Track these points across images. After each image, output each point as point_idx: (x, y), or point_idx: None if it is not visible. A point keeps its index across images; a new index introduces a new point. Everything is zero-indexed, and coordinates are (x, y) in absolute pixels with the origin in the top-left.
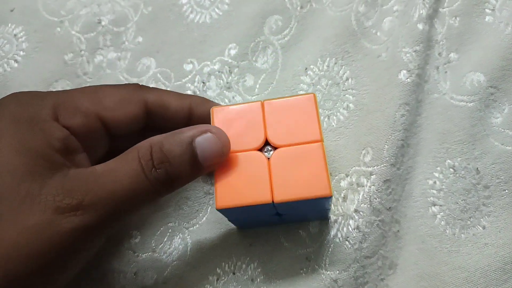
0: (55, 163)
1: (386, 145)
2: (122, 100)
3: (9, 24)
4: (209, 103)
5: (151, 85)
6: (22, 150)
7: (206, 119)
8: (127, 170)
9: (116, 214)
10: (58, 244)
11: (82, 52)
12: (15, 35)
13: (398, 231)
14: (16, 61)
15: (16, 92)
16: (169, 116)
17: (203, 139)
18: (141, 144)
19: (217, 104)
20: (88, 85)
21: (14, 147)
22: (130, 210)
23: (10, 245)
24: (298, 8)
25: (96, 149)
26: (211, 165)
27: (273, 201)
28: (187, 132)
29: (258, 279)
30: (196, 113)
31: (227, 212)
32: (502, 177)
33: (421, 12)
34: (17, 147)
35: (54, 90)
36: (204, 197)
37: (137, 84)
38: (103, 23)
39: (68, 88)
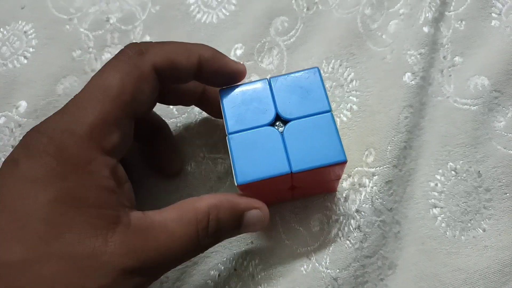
0: (113, 214)
1: (389, 147)
2: (135, 81)
3: (20, 21)
4: (217, 57)
5: None
6: (75, 203)
7: (216, 76)
8: (184, 232)
9: (166, 270)
10: None
11: (90, 49)
12: (25, 32)
13: (398, 232)
14: (25, 57)
15: (38, 127)
16: (178, 76)
17: (252, 215)
18: (199, 206)
19: (224, 56)
20: None
21: (66, 200)
22: (176, 265)
23: None
24: (305, 9)
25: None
26: (250, 231)
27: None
28: (241, 205)
29: (259, 276)
30: (205, 70)
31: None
32: (503, 180)
33: (427, 15)
34: (68, 200)
35: (61, 86)
36: (207, 193)
37: (132, 45)
38: (111, 21)
39: (75, 84)
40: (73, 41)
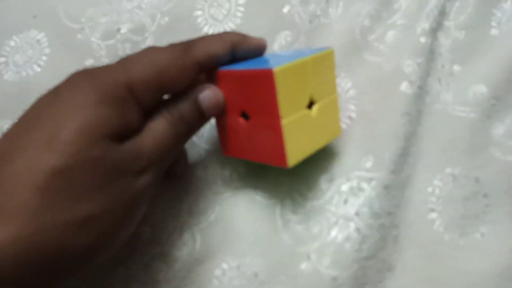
0: (125, 135)
1: (387, 153)
2: (180, 68)
3: (31, 30)
4: (247, 39)
5: None
6: (103, 126)
7: (245, 54)
8: (161, 126)
9: (165, 164)
10: (135, 200)
11: (102, 59)
12: (37, 40)
13: (397, 235)
14: (38, 65)
15: (88, 69)
16: (216, 63)
17: (204, 95)
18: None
19: (248, 37)
20: None
21: (94, 127)
22: (172, 156)
23: (104, 205)
24: (307, 23)
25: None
26: (213, 112)
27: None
28: (194, 90)
29: (261, 274)
30: (237, 52)
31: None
32: (501, 186)
33: (424, 26)
34: (99, 123)
35: None
36: (213, 196)
37: (182, 42)
38: (122, 31)
39: None
40: (85, 50)
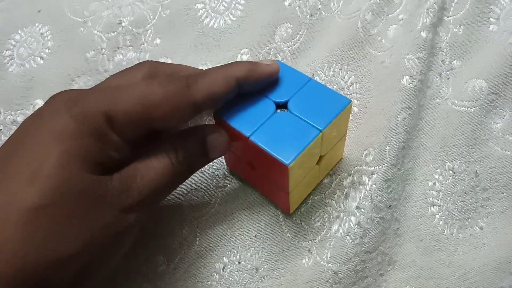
0: (111, 167)
1: (387, 147)
2: (173, 109)
3: (36, 24)
4: (252, 71)
5: None
6: (84, 158)
7: (254, 86)
8: (161, 167)
9: (157, 203)
10: (121, 236)
11: (103, 51)
12: (41, 34)
13: (397, 229)
14: (42, 58)
15: (66, 92)
16: (220, 102)
17: (213, 138)
18: (166, 140)
19: (258, 66)
20: None
21: (74, 154)
22: (165, 196)
23: (86, 241)
24: (308, 16)
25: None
26: (217, 156)
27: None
28: (203, 131)
29: (262, 268)
30: (244, 86)
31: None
32: (500, 180)
33: (425, 20)
34: (77, 154)
35: (76, 85)
36: (213, 190)
37: (185, 81)
38: (123, 24)
39: (89, 83)
40: (87, 42)
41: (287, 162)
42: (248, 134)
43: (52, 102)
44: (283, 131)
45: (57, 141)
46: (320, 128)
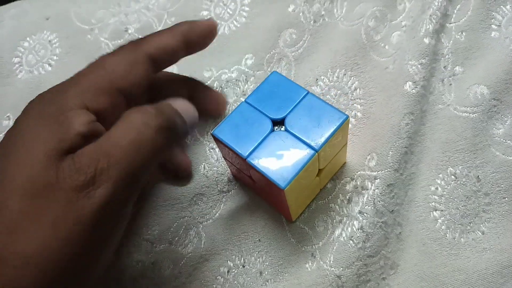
0: (72, 148)
1: (390, 152)
2: (129, 63)
3: (44, 31)
4: (195, 25)
5: None
6: (42, 141)
7: (201, 42)
8: (131, 127)
9: (130, 176)
10: (88, 226)
11: None
12: (49, 41)
13: (400, 233)
14: (49, 65)
15: (42, 93)
16: (171, 57)
17: (179, 103)
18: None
19: (197, 22)
20: None
21: (36, 140)
22: (143, 167)
23: (40, 243)
24: (312, 22)
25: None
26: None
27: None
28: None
29: (266, 272)
30: (190, 42)
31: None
32: (502, 185)
33: (428, 27)
34: (38, 140)
35: None
36: (218, 194)
37: (131, 41)
38: (129, 31)
39: None
40: (94, 49)
41: (282, 186)
42: (245, 155)
43: (25, 108)
44: (280, 151)
45: (29, 148)
46: (316, 148)
